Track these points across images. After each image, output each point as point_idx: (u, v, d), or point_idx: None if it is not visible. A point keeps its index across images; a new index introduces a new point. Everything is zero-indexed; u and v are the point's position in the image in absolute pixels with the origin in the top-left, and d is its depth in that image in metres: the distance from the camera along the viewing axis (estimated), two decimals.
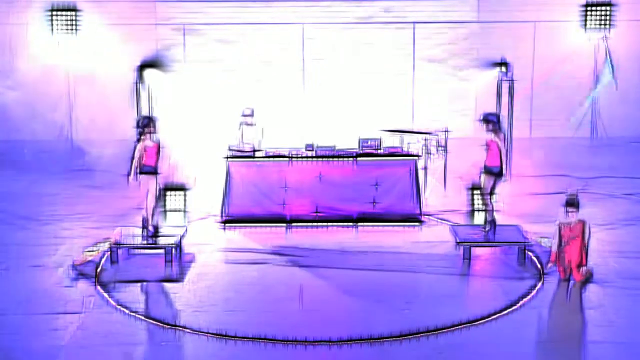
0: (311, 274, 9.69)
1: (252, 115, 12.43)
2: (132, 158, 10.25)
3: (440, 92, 17.27)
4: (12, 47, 17.06)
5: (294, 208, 11.74)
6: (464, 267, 10.00)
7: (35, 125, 16.85)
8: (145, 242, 10.31)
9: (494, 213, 10.51)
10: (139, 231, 10.48)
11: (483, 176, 10.48)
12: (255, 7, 17.03)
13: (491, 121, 10.33)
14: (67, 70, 16.99)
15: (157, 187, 10.48)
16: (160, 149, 10.38)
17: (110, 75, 16.50)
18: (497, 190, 10.66)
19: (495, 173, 10.34)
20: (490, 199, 10.45)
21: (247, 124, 12.37)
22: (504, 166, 10.36)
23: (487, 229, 10.43)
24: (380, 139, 12.00)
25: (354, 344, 7.70)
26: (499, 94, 14.69)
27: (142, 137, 10.27)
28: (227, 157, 11.84)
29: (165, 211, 10.56)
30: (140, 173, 10.28)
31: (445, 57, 17.41)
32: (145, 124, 10.32)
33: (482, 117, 10.45)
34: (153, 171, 10.31)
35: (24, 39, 16.96)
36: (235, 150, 11.92)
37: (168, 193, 12.36)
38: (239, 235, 11.33)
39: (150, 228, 10.34)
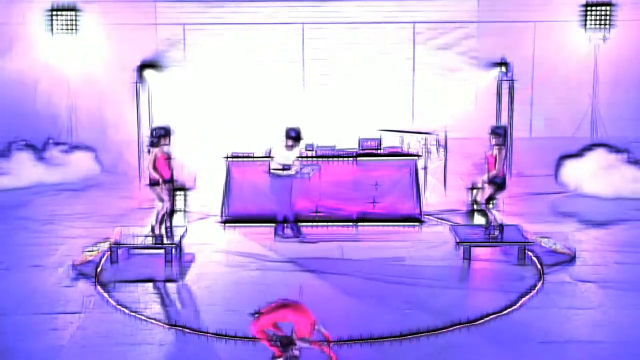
0: (311, 274, 9.68)
1: (298, 138, 10.99)
2: (154, 168, 10.08)
3: (440, 92, 17.28)
4: (12, 47, 17.07)
5: (294, 208, 11.71)
6: (464, 267, 10.00)
7: (35, 125, 16.85)
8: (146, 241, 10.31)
9: (498, 218, 10.44)
10: (139, 231, 10.47)
11: (481, 188, 10.39)
12: (255, 7, 17.04)
13: (499, 134, 10.24)
14: (67, 70, 17.00)
15: (171, 198, 10.33)
16: (171, 160, 10.20)
17: (110, 75, 16.51)
18: (496, 197, 10.69)
19: (498, 184, 10.28)
20: (488, 206, 10.41)
21: (288, 146, 11.01)
22: (505, 177, 10.38)
23: (494, 234, 10.33)
24: (380, 139, 12.00)
25: (354, 344, 7.70)
26: (499, 94, 14.71)
27: (155, 148, 10.06)
28: (227, 157, 11.82)
29: (171, 226, 10.46)
30: (153, 185, 10.19)
31: (445, 57, 17.42)
32: (161, 135, 10.09)
33: (490, 131, 10.34)
34: (166, 182, 10.18)
35: (24, 39, 16.97)
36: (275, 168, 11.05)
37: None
38: (239, 235, 11.33)
39: (157, 232, 10.30)
